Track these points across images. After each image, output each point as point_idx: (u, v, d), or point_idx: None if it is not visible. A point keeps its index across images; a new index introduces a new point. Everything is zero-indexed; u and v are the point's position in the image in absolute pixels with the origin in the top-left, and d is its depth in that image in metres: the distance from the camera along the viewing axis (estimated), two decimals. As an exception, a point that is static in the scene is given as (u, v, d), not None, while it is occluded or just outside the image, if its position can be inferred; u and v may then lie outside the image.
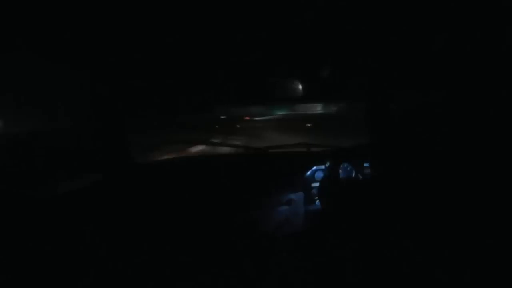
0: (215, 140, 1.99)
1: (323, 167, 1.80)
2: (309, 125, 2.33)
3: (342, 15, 1.42)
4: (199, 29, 1.47)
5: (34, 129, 1.49)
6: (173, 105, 1.98)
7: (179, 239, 1.54)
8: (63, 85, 1.53)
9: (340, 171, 1.80)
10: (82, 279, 1.35)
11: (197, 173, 1.75)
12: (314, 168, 1.80)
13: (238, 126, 2.26)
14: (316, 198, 1.78)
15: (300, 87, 1.83)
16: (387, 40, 1.58)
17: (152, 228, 1.53)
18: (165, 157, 1.84)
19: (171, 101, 1.93)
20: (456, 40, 1.50)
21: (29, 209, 1.42)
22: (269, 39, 1.55)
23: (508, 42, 1.35)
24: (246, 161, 1.87)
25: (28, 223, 1.39)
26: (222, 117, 2.24)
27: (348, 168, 1.81)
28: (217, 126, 2.22)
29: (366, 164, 1.81)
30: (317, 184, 1.79)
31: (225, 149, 1.92)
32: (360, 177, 1.78)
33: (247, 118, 2.26)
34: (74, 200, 1.47)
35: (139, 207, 1.55)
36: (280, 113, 2.31)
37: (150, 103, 1.88)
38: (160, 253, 1.48)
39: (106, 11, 1.33)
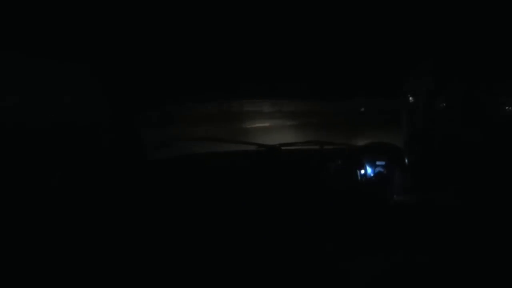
0: (227, 136, 1.98)
1: (336, 165, 1.78)
2: (323, 122, 2.31)
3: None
4: (215, 24, 1.45)
5: (47, 124, 1.50)
6: (185, 99, 1.98)
7: (191, 237, 1.54)
8: (76, 80, 1.54)
9: (353, 169, 1.78)
10: (94, 275, 1.36)
11: (209, 170, 1.74)
12: (327, 166, 1.78)
13: (250, 122, 2.25)
14: (330, 196, 1.76)
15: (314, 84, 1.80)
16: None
17: (166, 225, 1.53)
18: (177, 153, 1.84)
19: (183, 96, 1.92)
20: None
21: (41, 203, 1.43)
22: (285, 36, 1.53)
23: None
24: (259, 158, 1.86)
25: (39, 217, 1.40)
26: (235, 112, 2.23)
27: (361, 167, 1.79)
28: (228, 122, 2.21)
29: (379, 163, 1.78)
30: (330, 182, 1.77)
31: (236, 146, 1.90)
32: (374, 176, 1.75)
33: (260, 114, 2.26)
34: (87, 195, 1.48)
35: (154, 203, 1.56)
36: (293, 109, 2.30)
37: (163, 98, 1.88)
38: (173, 251, 1.48)
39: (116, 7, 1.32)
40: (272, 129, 2.30)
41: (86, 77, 1.58)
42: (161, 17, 1.44)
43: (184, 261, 1.47)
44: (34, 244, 1.33)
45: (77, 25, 1.42)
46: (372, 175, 1.75)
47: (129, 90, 1.71)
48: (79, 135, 1.55)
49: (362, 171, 1.76)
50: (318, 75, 1.83)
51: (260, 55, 1.69)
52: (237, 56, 1.69)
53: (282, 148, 1.87)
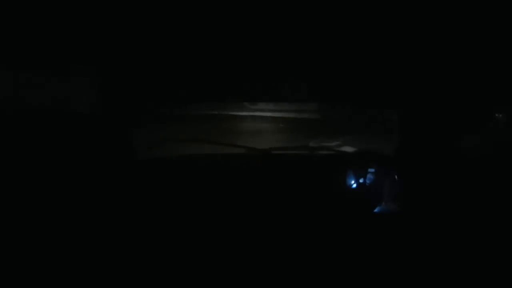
0: (218, 139, 1.98)
1: (327, 171, 1.79)
2: (315, 128, 2.31)
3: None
4: (207, 26, 1.46)
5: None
6: (176, 101, 1.97)
7: (181, 240, 1.53)
8: (69, 79, 1.53)
9: (344, 176, 1.79)
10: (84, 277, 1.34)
11: (200, 172, 1.74)
12: (318, 172, 1.78)
13: (241, 125, 2.25)
14: (320, 203, 1.76)
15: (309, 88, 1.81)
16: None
17: (153, 226, 1.52)
18: (168, 154, 1.83)
19: (174, 97, 1.91)
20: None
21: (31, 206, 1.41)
22: (279, 38, 1.54)
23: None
24: (249, 162, 1.86)
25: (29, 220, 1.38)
26: (227, 115, 2.23)
27: (352, 174, 1.80)
28: (220, 124, 2.20)
29: (370, 170, 1.79)
30: (320, 189, 1.77)
31: (227, 148, 1.90)
32: (364, 183, 1.77)
33: (252, 117, 2.26)
34: (76, 196, 1.46)
35: (142, 204, 1.54)
36: (285, 113, 2.31)
37: (154, 98, 1.87)
38: (162, 254, 1.47)
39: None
40: (263, 133, 2.30)
41: (79, 77, 1.57)
42: (153, 18, 1.44)
43: (168, 264, 1.46)
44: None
45: (71, 26, 1.41)
46: (362, 182, 1.76)
47: (121, 90, 1.70)
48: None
49: (352, 178, 1.78)
50: (311, 80, 1.84)
51: (253, 58, 1.69)
52: (230, 58, 1.70)
53: (273, 152, 1.87)
